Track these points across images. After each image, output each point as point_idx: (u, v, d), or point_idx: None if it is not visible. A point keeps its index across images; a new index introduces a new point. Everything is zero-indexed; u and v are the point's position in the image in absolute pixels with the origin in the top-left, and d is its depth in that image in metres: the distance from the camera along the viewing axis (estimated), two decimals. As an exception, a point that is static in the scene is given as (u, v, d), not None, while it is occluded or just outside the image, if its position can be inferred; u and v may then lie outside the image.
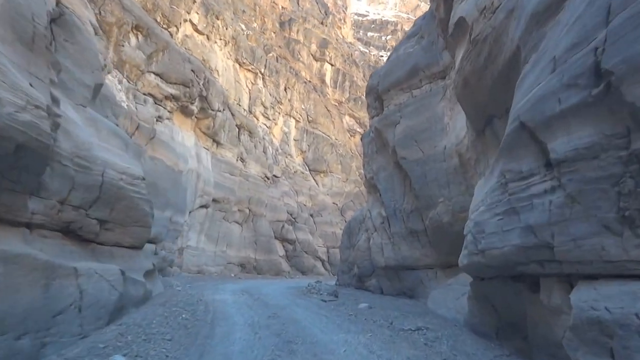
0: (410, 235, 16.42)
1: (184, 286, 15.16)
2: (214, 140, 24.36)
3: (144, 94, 16.99)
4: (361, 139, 21.62)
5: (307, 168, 37.51)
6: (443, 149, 13.39)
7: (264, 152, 31.73)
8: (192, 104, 20.42)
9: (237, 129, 27.58)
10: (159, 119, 18.29)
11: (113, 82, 14.45)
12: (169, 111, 19.14)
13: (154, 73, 17.40)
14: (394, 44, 69.43)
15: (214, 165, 24.29)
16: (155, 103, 18.02)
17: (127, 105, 15.13)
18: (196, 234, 22.69)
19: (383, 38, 72.56)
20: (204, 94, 21.17)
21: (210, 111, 22.33)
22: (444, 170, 13.37)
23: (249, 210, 27.94)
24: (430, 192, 14.22)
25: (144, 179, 9.09)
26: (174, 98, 19.02)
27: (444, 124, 13.95)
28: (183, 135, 20.72)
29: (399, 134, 15.97)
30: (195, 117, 21.91)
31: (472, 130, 9.38)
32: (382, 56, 61.76)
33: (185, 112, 20.59)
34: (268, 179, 31.54)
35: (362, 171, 41.43)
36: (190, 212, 21.45)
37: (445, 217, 13.57)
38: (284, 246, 31.19)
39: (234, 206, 26.18)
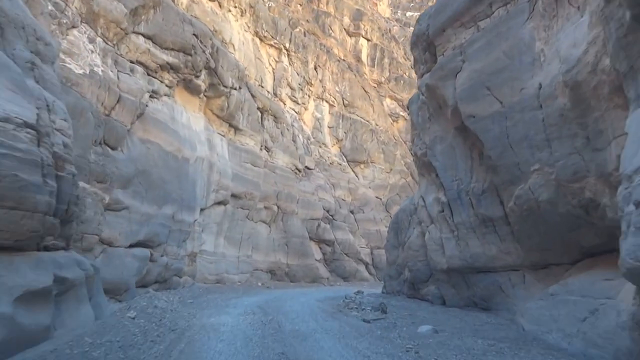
0: (483, 225, 12.39)
1: (183, 302, 11.84)
2: (230, 125, 21.15)
3: (131, 62, 13.86)
4: (407, 107, 17.70)
5: (344, 158, 33.80)
6: (536, 89, 9.34)
7: (293, 140, 28.32)
8: (197, 77, 17.21)
9: (259, 113, 24.30)
10: (154, 94, 15.16)
11: (80, 39, 11.34)
12: (167, 86, 16.01)
13: (142, 35, 14.27)
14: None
15: (232, 154, 21.07)
16: (148, 74, 14.91)
17: (102, 71, 12.00)
18: (213, 236, 19.51)
19: (423, 18, 67.59)
20: (212, 65, 17.93)
21: (222, 88, 19.10)
22: (539, 121, 9.32)
23: (278, 207, 24.56)
24: (516, 159, 10.19)
25: (34, 130, 5.69)
26: (172, 69, 15.86)
27: (535, 52, 9.86)
28: (189, 116, 17.56)
29: (462, 84, 11.98)
30: (204, 95, 18.73)
31: (617, 28, 5.40)
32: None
33: (190, 88, 17.41)
34: (299, 171, 28.10)
35: (407, 160, 37.27)
36: (202, 210, 18.27)
37: (543, 192, 9.51)
38: (320, 248, 27.62)
39: (258, 203, 22.87)
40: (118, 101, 12.66)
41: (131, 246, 12.08)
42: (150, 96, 15.03)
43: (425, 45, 14.97)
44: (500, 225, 11.88)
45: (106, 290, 10.20)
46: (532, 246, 11.05)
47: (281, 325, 8.52)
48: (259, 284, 21.58)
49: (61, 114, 7.05)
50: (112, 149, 12.20)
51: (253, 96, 23.60)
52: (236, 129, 21.78)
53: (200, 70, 17.31)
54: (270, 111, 25.46)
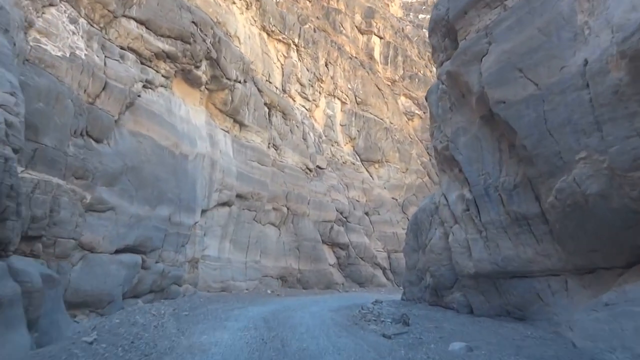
0: (516, 225, 10.88)
1: (176, 315, 10.59)
2: (235, 121, 19.95)
3: (121, 48, 12.73)
4: (426, 98, 16.27)
5: (358, 157, 32.41)
6: (580, 66, 7.91)
7: (304, 138, 27.04)
8: (196, 67, 16.04)
9: (266, 109, 23.09)
10: (149, 84, 14.01)
11: (59, 18, 10.22)
12: (164, 76, 14.86)
13: (134, 20, 13.13)
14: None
15: (237, 151, 19.86)
16: (142, 63, 13.77)
17: (85, 55, 10.86)
18: (217, 240, 18.28)
19: (438, 15, 65.85)
20: (214, 55, 16.76)
21: (225, 80, 17.91)
22: (586, 102, 7.89)
23: (287, 208, 23.27)
24: (557, 147, 8.74)
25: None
26: (169, 58, 14.71)
27: (577, 26, 8.45)
28: (188, 109, 16.39)
29: (489, 68, 10.58)
30: (206, 88, 17.55)
31: None
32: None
33: (189, 79, 16.26)
34: (310, 170, 26.78)
35: (424, 159, 35.71)
36: (204, 212, 17.06)
37: (592, 184, 8.04)
38: (334, 252, 26.23)
39: (266, 204, 21.60)
40: (104, 88, 11.51)
41: (118, 252, 10.85)
42: (144, 86, 13.88)
43: (445, 30, 13.61)
44: (536, 224, 10.39)
45: (85, 304, 9.00)
46: (576, 247, 9.55)
47: (285, 344, 7.19)
48: (269, 291, 20.28)
49: (6, 86, 5.86)
50: (97, 141, 11.03)
51: (260, 91, 22.41)
52: (241, 125, 20.57)
53: (201, 61, 16.13)
54: (278, 107, 24.24)
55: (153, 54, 14.08)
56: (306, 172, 26.04)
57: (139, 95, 13.45)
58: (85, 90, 10.97)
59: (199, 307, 12.51)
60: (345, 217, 27.41)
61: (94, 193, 10.34)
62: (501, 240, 11.27)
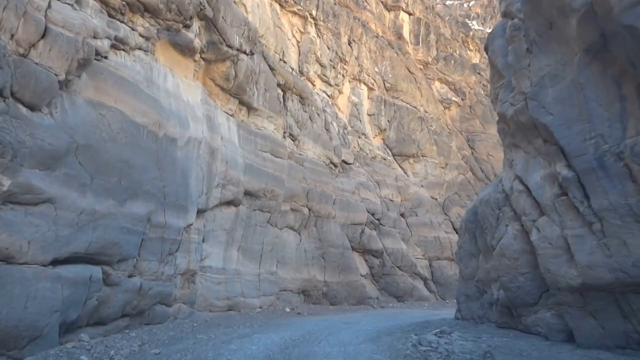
0: (658, 209, 7.24)
1: (137, 354, 7.27)
2: (241, 102, 16.77)
3: (77, -10, 9.64)
4: (485, 49, 12.66)
5: (389, 152, 28.84)
6: None
7: (326, 129, 23.69)
8: (186, 27, 12.90)
9: (279, 91, 19.86)
10: (120, 44, 10.91)
11: None
12: (142, 36, 11.75)
13: (94, -46, 10.04)
14: (479, 10, 58.97)
15: (244, 139, 16.63)
16: (110, 15, 10.68)
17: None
18: (221, 248, 15.03)
19: (465, 5, 62.10)
20: (209, 14, 13.61)
21: (225, 48, 14.74)
22: None
23: (309, 209, 19.88)
24: None
25: None
26: (147, 11, 11.61)
27: None
28: (178, 83, 13.24)
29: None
30: (202, 57, 14.41)
31: None
32: (469, 23, 51.19)
33: (179, 44, 13.12)
34: (335, 166, 23.38)
35: (466, 153, 31.87)
36: (203, 212, 13.84)
37: None
38: (366, 261, 22.67)
39: (283, 203, 18.27)
40: (43, 36, 8.40)
41: (56, 262, 7.63)
42: (114, 46, 10.77)
43: None
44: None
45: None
46: None
47: None
48: (287, 309, 16.85)
49: None
50: (30, 108, 7.89)
51: (272, 69, 19.18)
52: (249, 108, 17.35)
53: (191, 18, 12.98)
54: (294, 89, 20.97)
55: (125, 3, 10.97)
56: (330, 168, 22.64)
57: (104, 57, 10.34)
58: (12, 36, 7.88)
59: (184, 338, 9.19)
60: (378, 219, 23.84)
61: (17, 178, 7.16)
62: (629, 235, 7.57)
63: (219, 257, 14.90)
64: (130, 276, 10.05)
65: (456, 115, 34.45)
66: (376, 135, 28.57)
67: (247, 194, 16.29)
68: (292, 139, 20.55)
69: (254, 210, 16.86)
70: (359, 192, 23.22)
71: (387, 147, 28.88)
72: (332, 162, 22.97)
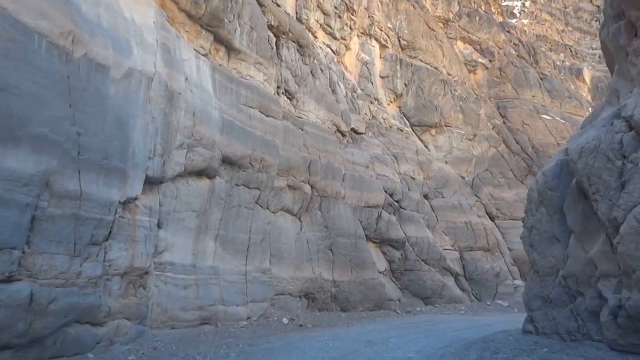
0: None
1: None
2: (217, 39, 12.75)
3: None
4: None
5: (406, 121, 24.77)
6: None
7: (332, 89, 19.63)
8: None
9: (271, 34, 15.80)
10: None
11: None
12: None
13: None
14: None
15: (223, 89, 12.58)
16: None
17: None
18: (189, 237, 11.04)
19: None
20: None
21: (188, -49, 10.64)
22: None
23: (312, 186, 15.86)
24: None
25: None
26: None
27: None
28: (113, -11, 9.12)
29: None
30: (152, -39, 10.31)
31: None
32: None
33: None
34: (343, 135, 19.35)
35: (497, 122, 27.79)
36: (157, 184, 9.84)
37: None
38: (385, 253, 18.67)
39: (277, 177, 14.26)
40: None
41: None
42: None
43: None
44: None
45: None
46: None
47: None
48: (285, 320, 12.85)
49: None
50: None
51: (261, 5, 15.12)
52: (229, 48, 13.31)
53: None
54: (291, 34, 16.88)
55: None
56: (337, 136, 18.60)
57: None
58: None
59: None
60: (397, 201, 19.83)
61: None
62: None
63: (185, 249, 10.88)
64: (9, 280, 6.04)
65: (483, 79, 30.35)
66: (391, 102, 24.48)
67: (227, 162, 12.26)
68: (288, 97, 16.49)
69: (237, 185, 12.84)
70: (374, 167, 19.19)
71: (404, 115, 24.81)
72: (339, 130, 18.93)
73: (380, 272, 17.69)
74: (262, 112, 13.98)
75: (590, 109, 33.84)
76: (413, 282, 18.86)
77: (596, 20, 73.92)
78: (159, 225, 9.95)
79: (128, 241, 8.66)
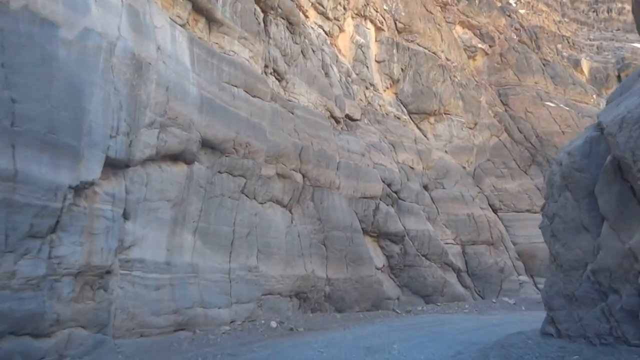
0: None
1: None
2: (196, 8, 11.40)
3: None
4: None
5: (403, 109, 23.51)
6: None
7: (325, 72, 18.32)
8: None
9: (258, 8, 14.44)
10: None
11: None
12: None
13: None
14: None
15: (202, 63, 11.22)
16: None
17: None
18: (162, 229, 9.72)
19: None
20: None
21: None
22: None
23: (303, 175, 14.57)
24: None
25: None
26: None
27: None
28: None
29: None
30: None
31: None
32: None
33: None
34: (337, 121, 18.06)
35: (498, 110, 26.60)
36: (123, 168, 8.49)
37: None
38: (383, 248, 17.43)
39: (265, 165, 12.95)
40: None
41: None
42: None
43: None
44: None
45: None
46: None
47: None
48: (274, 323, 11.55)
49: None
50: None
51: (244, -26, 13.73)
52: (210, 20, 11.95)
53: None
54: (280, 11, 15.53)
55: None
56: (331, 122, 17.30)
57: None
58: None
59: None
60: (396, 192, 18.57)
61: None
62: None
63: (158, 244, 9.55)
64: None
65: (483, 65, 29.11)
66: (387, 88, 23.20)
67: (207, 145, 10.93)
68: (277, 78, 15.16)
69: (220, 172, 11.52)
70: (370, 155, 17.91)
71: (402, 102, 23.54)
72: (332, 116, 17.63)
73: (378, 269, 16.46)
74: (247, 92, 12.64)
75: (595, 96, 32.78)
76: (413, 279, 17.63)
77: (593, 12, 73.13)
78: (126, 216, 8.62)
79: (84, 234, 7.32)
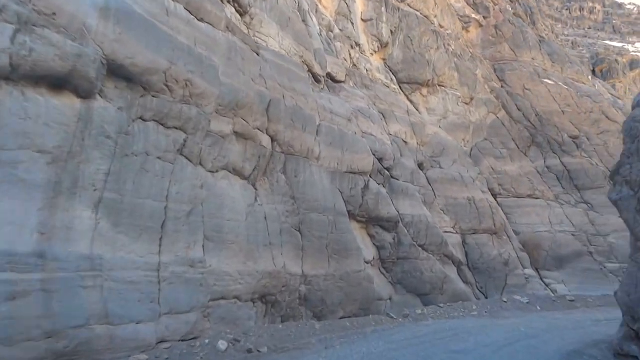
0: None
1: None
2: None
3: None
4: None
5: (393, 77, 19.71)
6: None
7: (302, 19, 14.32)
8: None
9: None
10: None
11: None
12: None
13: None
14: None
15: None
16: None
17: None
18: (30, 199, 5.63)
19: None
20: None
21: None
22: None
23: (272, 138, 10.55)
24: None
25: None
26: None
27: None
28: None
29: None
30: None
31: None
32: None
33: None
34: (318, 80, 14.08)
35: (494, 85, 23.03)
36: None
37: None
38: (373, 237, 13.56)
39: (217, 118, 8.89)
40: None
41: None
42: None
43: None
44: None
45: None
46: None
47: None
48: (223, 344, 7.54)
49: None
50: None
51: None
52: None
53: None
54: None
55: None
56: (311, 79, 13.32)
57: None
58: None
59: None
60: (388, 169, 14.74)
61: None
62: None
63: (20, 224, 5.49)
64: None
65: (477, 38, 25.52)
66: (375, 52, 19.35)
67: (120, 74, 6.84)
68: (238, 11, 11.08)
69: (143, 119, 7.44)
70: (358, 122, 14.00)
71: (391, 70, 19.71)
72: (312, 72, 13.65)
73: (367, 262, 12.59)
74: (190, 12, 8.54)
75: (590, 77, 29.74)
76: (408, 275, 13.85)
77: (566, 9, 71.37)
78: None
79: None
